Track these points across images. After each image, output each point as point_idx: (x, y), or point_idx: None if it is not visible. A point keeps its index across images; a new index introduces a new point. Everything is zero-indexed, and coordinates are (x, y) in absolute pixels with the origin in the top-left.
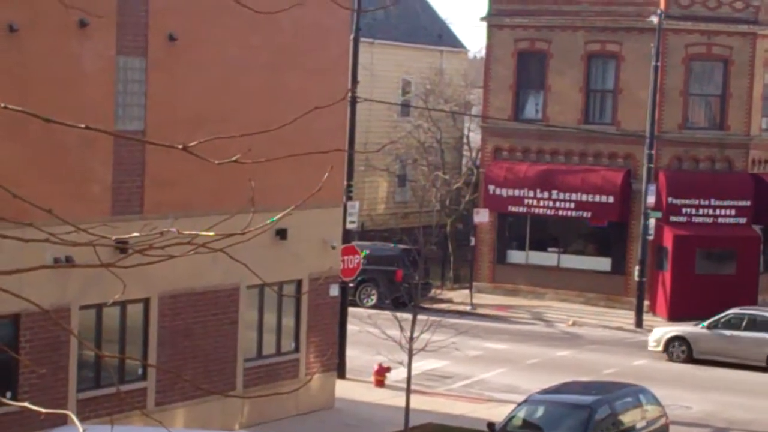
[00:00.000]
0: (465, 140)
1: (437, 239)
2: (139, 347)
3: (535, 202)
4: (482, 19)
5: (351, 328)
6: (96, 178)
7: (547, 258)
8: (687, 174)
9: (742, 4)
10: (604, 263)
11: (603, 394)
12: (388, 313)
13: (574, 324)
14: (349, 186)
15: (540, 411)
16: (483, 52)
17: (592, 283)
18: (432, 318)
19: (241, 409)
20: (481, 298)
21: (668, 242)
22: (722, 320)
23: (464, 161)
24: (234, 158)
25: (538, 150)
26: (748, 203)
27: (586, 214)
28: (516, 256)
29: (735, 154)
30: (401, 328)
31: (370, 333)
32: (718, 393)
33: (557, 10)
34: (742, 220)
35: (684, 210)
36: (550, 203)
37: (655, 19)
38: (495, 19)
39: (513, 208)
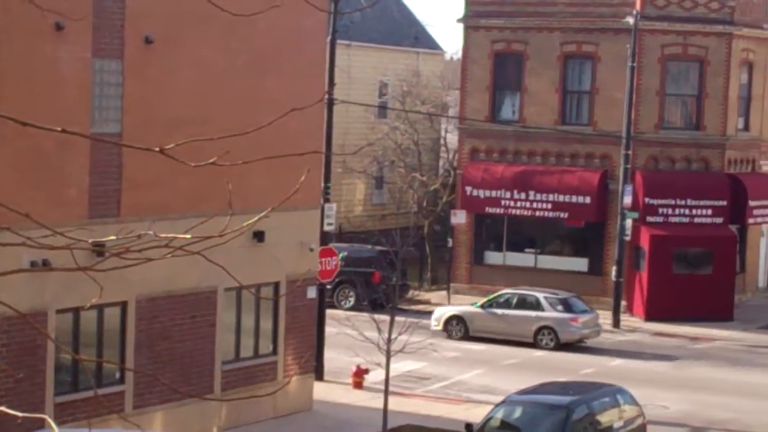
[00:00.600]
0: (442, 142)
1: (415, 241)
2: (117, 350)
3: (512, 203)
4: (459, 20)
5: (329, 330)
6: (73, 182)
7: (525, 259)
8: (663, 174)
9: (717, 5)
10: (581, 264)
11: (580, 395)
12: (366, 315)
13: None
14: (327, 188)
15: (518, 412)
16: (460, 54)
17: (570, 284)
18: (410, 319)
19: (219, 412)
20: (458, 299)
21: (645, 242)
22: (495, 300)
23: (441, 163)
24: (211, 161)
25: (515, 151)
26: (725, 203)
27: (563, 215)
28: (493, 257)
29: (711, 154)
30: (379, 330)
31: (348, 335)
32: (695, 392)
33: (533, 12)
34: (719, 220)
35: (661, 210)
36: (527, 204)
37: (630, 20)
38: (471, 21)
39: (490, 209)
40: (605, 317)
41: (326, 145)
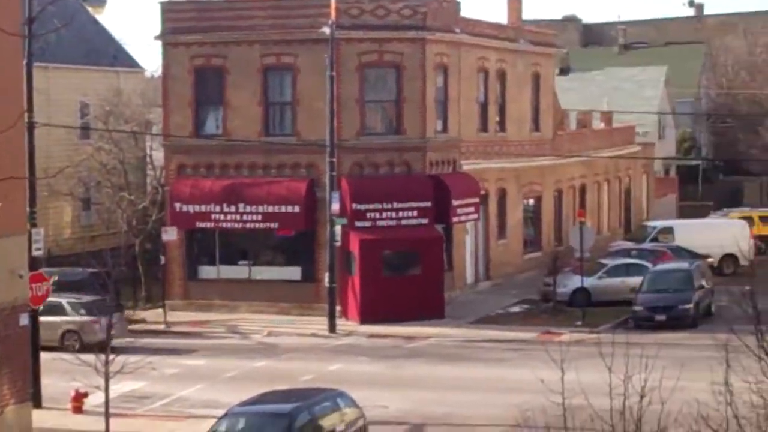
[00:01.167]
0: (148, 159)
1: (126, 260)
2: None
3: (222, 217)
4: (156, 37)
5: (44, 355)
6: None
7: (239, 271)
8: (368, 179)
9: (409, 11)
10: (294, 272)
11: (302, 401)
12: None
13: (269, 334)
14: (33, 213)
15: (241, 423)
16: (160, 71)
17: (285, 293)
18: (126, 339)
19: None
20: (175, 316)
21: (355, 247)
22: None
23: (149, 180)
24: None
25: (222, 164)
26: (429, 204)
27: (273, 225)
28: (207, 272)
29: (413, 157)
30: (96, 352)
31: (64, 359)
32: (413, 390)
33: (232, 26)
34: (425, 221)
35: (368, 215)
36: (238, 216)
37: (327, 30)
38: (170, 38)
39: (201, 224)
40: (321, 323)
41: (29, 170)
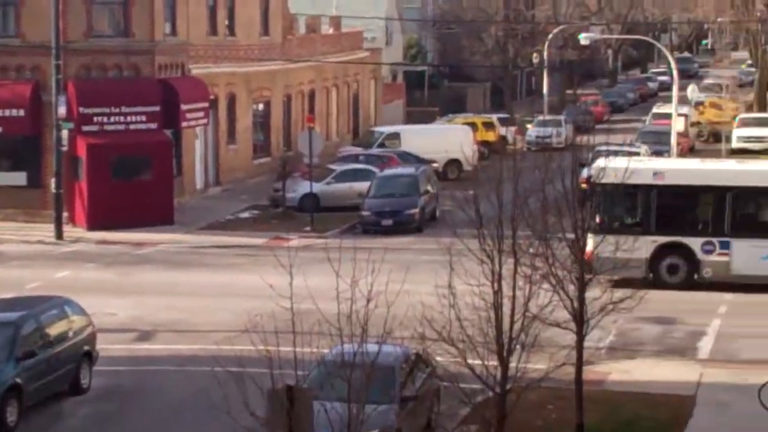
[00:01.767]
0: None
1: None
2: None
3: None
4: None
5: None
6: None
7: None
8: (96, 83)
9: None
10: (19, 177)
11: (28, 309)
12: None
13: None
14: None
15: None
16: None
17: (10, 199)
18: None
19: None
20: None
21: (82, 152)
22: None
23: None
24: None
25: None
26: (158, 108)
27: None
28: None
29: (141, 60)
30: None
31: None
32: (143, 297)
33: None
34: (153, 126)
35: (96, 119)
36: None
37: None
38: None
39: None
40: (48, 230)
41: None
